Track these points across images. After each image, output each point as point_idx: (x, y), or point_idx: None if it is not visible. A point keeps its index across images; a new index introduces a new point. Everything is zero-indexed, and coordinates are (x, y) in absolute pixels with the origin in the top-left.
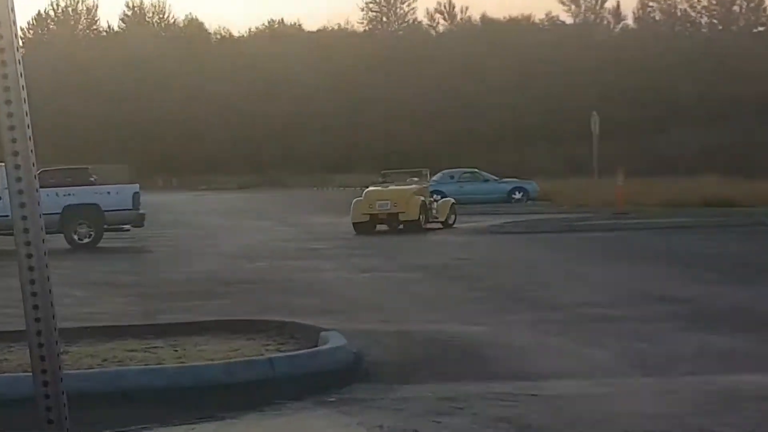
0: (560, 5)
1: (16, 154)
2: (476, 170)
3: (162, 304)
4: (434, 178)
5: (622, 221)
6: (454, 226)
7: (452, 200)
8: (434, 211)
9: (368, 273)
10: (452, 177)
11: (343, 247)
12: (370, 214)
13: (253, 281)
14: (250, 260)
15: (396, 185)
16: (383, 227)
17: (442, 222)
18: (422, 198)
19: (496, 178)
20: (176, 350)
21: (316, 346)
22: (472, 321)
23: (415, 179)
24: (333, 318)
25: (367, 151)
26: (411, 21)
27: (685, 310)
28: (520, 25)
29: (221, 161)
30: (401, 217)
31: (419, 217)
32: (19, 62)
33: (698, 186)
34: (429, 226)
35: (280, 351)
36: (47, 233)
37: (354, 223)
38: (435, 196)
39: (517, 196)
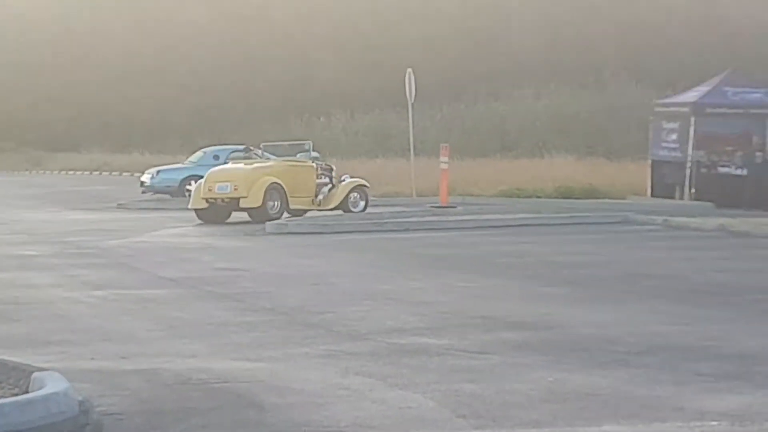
0: None
1: None
2: (251, 148)
3: None
4: (192, 158)
5: (447, 217)
6: (365, 212)
7: (359, 181)
8: (320, 196)
9: (102, 290)
10: (217, 157)
11: (68, 254)
12: (207, 199)
13: None
14: None
15: (251, 163)
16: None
17: (339, 207)
18: (274, 180)
19: (275, 157)
20: None
21: (27, 392)
22: (244, 355)
23: (309, 154)
24: (51, 353)
25: (101, 123)
26: None
27: (530, 339)
28: None
29: None
30: (242, 204)
31: (265, 204)
32: None
33: (549, 169)
34: (314, 213)
35: None
36: None
37: (195, 210)
38: (343, 177)
39: None
